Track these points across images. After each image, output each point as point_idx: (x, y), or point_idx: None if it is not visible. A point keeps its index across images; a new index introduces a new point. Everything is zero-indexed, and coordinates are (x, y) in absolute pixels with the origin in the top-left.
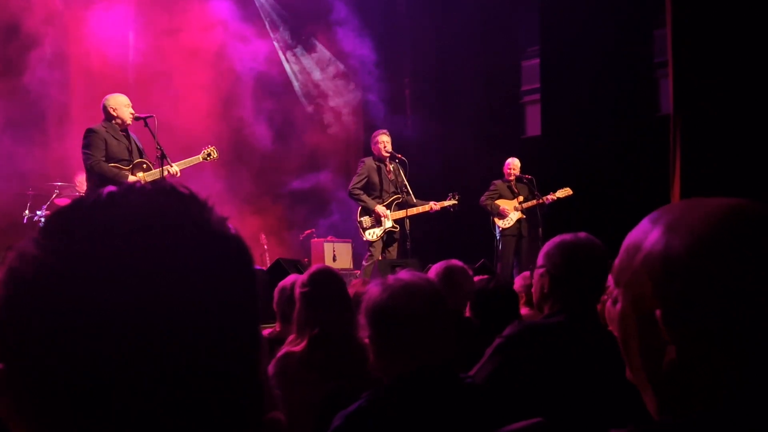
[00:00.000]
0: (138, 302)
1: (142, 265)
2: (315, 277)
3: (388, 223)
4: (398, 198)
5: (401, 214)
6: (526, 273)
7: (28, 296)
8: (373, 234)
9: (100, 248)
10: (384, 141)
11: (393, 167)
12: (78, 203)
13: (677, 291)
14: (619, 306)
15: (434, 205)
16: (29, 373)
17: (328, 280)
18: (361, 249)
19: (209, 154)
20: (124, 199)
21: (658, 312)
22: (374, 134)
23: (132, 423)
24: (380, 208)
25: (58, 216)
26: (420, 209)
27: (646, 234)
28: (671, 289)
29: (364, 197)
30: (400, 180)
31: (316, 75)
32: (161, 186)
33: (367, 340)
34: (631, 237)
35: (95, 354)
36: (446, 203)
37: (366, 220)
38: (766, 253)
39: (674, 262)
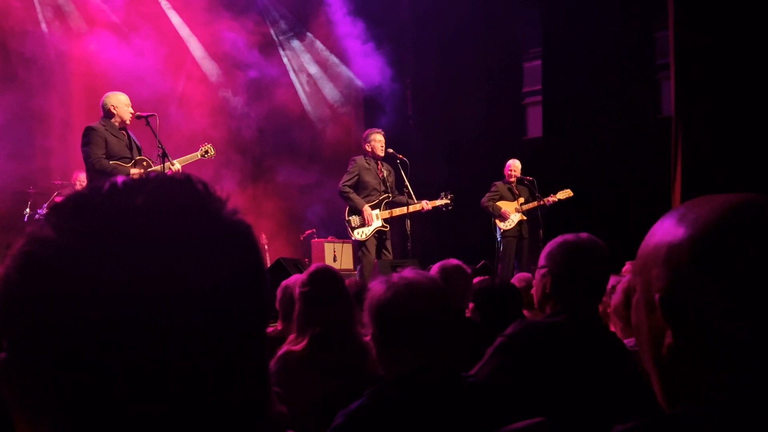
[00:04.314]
0: (152, 286)
1: (158, 250)
2: (315, 276)
3: (377, 223)
4: (388, 197)
5: (389, 213)
6: (523, 275)
7: (45, 279)
8: (362, 233)
9: (118, 231)
10: (379, 140)
11: (384, 167)
12: (93, 189)
13: (675, 278)
14: (637, 294)
15: (426, 205)
16: (36, 362)
17: (328, 280)
18: None
19: (207, 152)
20: (140, 187)
21: (656, 296)
22: (367, 133)
23: (133, 417)
24: (367, 210)
25: (75, 200)
26: (411, 208)
27: (661, 224)
28: (670, 275)
29: (353, 196)
30: (391, 180)
31: (317, 75)
32: (176, 176)
33: (369, 338)
34: (651, 229)
35: (110, 339)
36: (438, 202)
37: (354, 219)
38: (760, 248)
39: (676, 249)
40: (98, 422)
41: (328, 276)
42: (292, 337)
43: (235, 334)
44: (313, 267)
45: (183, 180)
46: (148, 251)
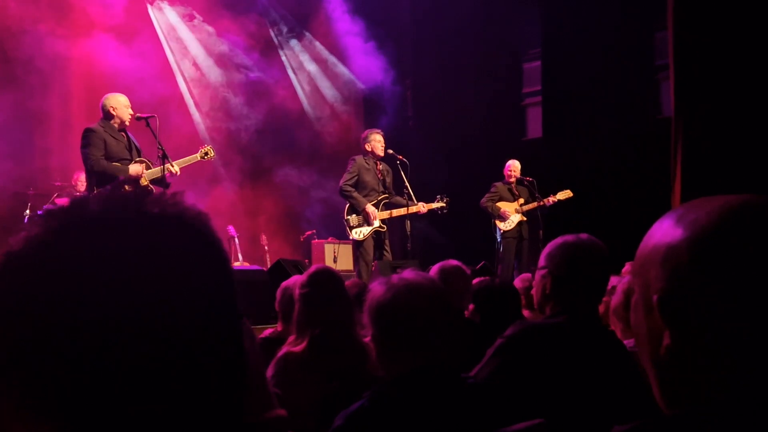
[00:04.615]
0: (107, 286)
1: (109, 253)
2: (314, 277)
3: (376, 223)
4: (386, 198)
5: (388, 214)
6: (525, 275)
7: (27, 273)
8: (359, 233)
9: (80, 236)
10: (379, 140)
11: (382, 167)
12: (62, 205)
13: (674, 278)
14: (635, 296)
15: (422, 207)
16: (35, 362)
17: (328, 281)
18: None
19: (206, 153)
20: (97, 198)
21: (655, 297)
22: (366, 133)
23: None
24: (370, 208)
25: (51, 211)
26: (409, 210)
27: (660, 225)
28: (668, 276)
29: (356, 195)
30: (388, 180)
31: (317, 76)
32: (137, 188)
33: (369, 339)
34: (649, 230)
35: (90, 337)
36: (434, 205)
37: (353, 219)
38: (759, 247)
39: (675, 250)
40: (97, 422)
41: (327, 277)
42: (291, 338)
43: (200, 324)
44: (312, 268)
45: (134, 188)
46: (102, 255)
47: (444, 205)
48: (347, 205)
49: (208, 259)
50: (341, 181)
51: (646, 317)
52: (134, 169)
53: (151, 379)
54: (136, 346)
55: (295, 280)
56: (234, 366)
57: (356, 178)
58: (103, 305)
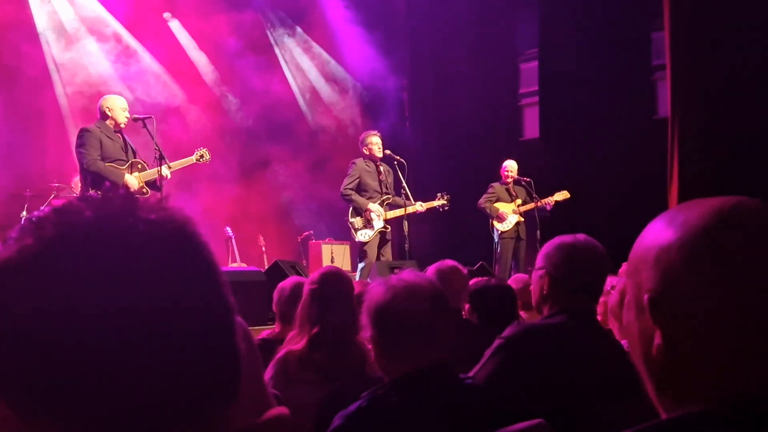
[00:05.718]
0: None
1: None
2: (326, 276)
3: (379, 223)
4: (388, 198)
5: (392, 214)
6: (520, 276)
7: (24, 285)
8: (365, 235)
9: (71, 244)
10: (376, 142)
11: (383, 168)
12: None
13: (664, 279)
14: (627, 296)
15: (420, 207)
16: (12, 379)
17: (338, 281)
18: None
19: (202, 156)
20: (87, 204)
21: (645, 297)
22: (364, 136)
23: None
24: (373, 206)
25: (44, 216)
26: (409, 210)
27: (652, 227)
28: (659, 277)
29: (356, 197)
30: (390, 181)
31: (313, 76)
32: (127, 191)
33: (368, 340)
34: (642, 232)
35: (89, 347)
36: (435, 203)
37: (357, 221)
38: (750, 249)
39: (665, 252)
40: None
41: (338, 278)
42: (292, 333)
43: (194, 331)
44: (325, 268)
45: (121, 194)
46: (100, 263)
47: (445, 202)
48: (351, 208)
49: (198, 264)
50: (342, 185)
51: (637, 317)
52: (130, 181)
53: (145, 386)
54: (133, 353)
55: (293, 281)
56: (226, 373)
57: (357, 181)
58: (101, 316)
